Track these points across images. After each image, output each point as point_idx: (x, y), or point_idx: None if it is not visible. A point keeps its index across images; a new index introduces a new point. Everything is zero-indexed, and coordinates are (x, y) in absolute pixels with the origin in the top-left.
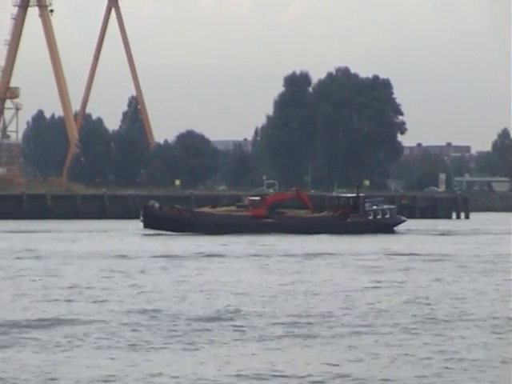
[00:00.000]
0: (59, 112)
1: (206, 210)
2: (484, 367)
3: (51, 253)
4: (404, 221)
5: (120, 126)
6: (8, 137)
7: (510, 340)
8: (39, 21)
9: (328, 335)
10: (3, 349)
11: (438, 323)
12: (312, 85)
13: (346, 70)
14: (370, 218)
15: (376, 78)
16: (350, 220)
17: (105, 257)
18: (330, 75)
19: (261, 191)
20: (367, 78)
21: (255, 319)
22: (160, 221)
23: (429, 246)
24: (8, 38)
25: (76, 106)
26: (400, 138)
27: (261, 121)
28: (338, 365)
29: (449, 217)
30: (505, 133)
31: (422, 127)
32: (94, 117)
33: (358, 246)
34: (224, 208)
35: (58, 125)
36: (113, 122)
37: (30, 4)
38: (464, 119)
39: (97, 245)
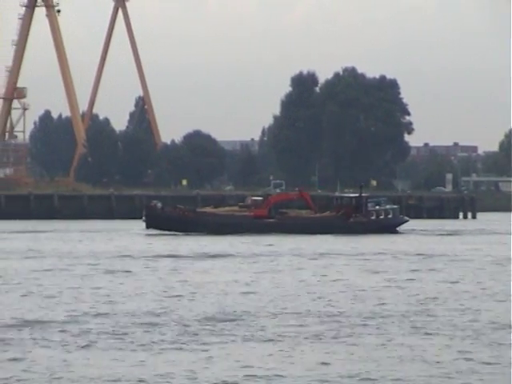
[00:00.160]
0: (66, 112)
1: (208, 210)
2: (494, 368)
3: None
4: (407, 221)
5: (127, 127)
6: (15, 137)
7: None
8: (46, 21)
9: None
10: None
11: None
12: (319, 85)
13: (353, 70)
14: (373, 218)
15: (383, 78)
16: (352, 220)
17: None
18: (336, 75)
19: (268, 191)
20: (374, 78)
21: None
22: (163, 221)
23: (439, 245)
24: (15, 38)
25: (83, 106)
26: (407, 138)
27: (268, 121)
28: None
29: (456, 217)
30: None
31: (429, 127)
32: (101, 117)
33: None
34: (227, 208)
35: (65, 125)
36: (120, 123)
37: (37, 4)
38: (471, 119)
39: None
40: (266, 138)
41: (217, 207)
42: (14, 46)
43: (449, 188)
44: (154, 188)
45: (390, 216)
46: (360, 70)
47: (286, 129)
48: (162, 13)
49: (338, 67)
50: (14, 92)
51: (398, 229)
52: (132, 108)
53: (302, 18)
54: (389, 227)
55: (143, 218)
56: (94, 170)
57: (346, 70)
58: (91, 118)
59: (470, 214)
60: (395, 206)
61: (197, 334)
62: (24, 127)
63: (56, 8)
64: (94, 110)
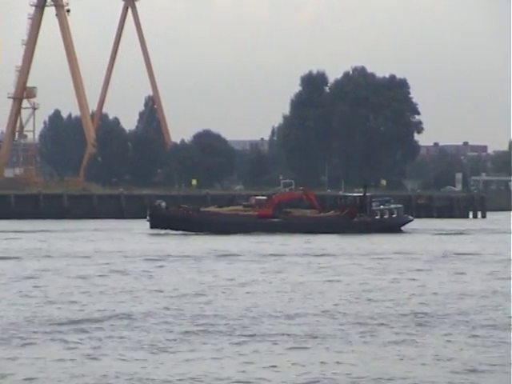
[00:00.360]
0: (76, 112)
1: (212, 209)
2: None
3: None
4: (411, 220)
5: (137, 126)
6: (25, 136)
7: None
8: (56, 21)
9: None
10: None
11: None
12: (329, 84)
13: (363, 69)
14: (377, 217)
15: (393, 77)
16: (356, 220)
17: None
18: (346, 75)
19: (278, 191)
20: (384, 78)
21: None
22: (167, 220)
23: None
24: (25, 37)
25: (93, 105)
26: (417, 137)
27: (277, 120)
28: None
29: (466, 216)
30: None
31: (439, 127)
32: (110, 117)
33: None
34: (231, 207)
35: (75, 125)
36: (129, 122)
37: (47, 4)
38: (481, 119)
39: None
40: (275, 138)
41: (221, 207)
42: (24, 46)
43: (458, 187)
44: (163, 188)
45: (394, 215)
46: (370, 70)
47: (296, 128)
48: (171, 12)
49: (347, 67)
50: (24, 92)
51: (402, 228)
52: (142, 107)
53: (312, 18)
54: (393, 227)
55: (147, 217)
56: (104, 169)
57: (355, 69)
58: (101, 118)
59: (479, 214)
60: (399, 206)
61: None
62: (34, 127)
63: (66, 8)
64: (104, 110)
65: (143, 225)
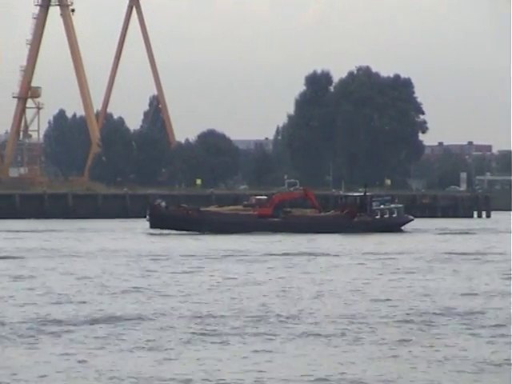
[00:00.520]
0: (80, 111)
1: (212, 209)
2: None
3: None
4: (411, 220)
5: (141, 126)
6: (30, 136)
7: None
8: (60, 20)
9: None
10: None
11: None
12: (333, 84)
13: (368, 69)
14: (377, 217)
15: (397, 77)
16: (356, 219)
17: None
18: (351, 74)
19: (282, 190)
20: (388, 77)
21: None
22: (166, 220)
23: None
24: (29, 37)
25: (97, 105)
26: (421, 137)
27: (282, 120)
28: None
29: (470, 216)
30: None
31: (444, 126)
32: (115, 116)
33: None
34: (231, 207)
35: (80, 124)
36: (134, 122)
37: (52, 3)
38: (485, 118)
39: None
40: (280, 137)
41: (221, 206)
42: (29, 46)
43: (463, 187)
44: (168, 187)
45: (394, 215)
46: (374, 69)
47: (301, 128)
48: (175, 11)
49: (352, 66)
50: (29, 91)
51: (402, 228)
52: (146, 107)
53: (316, 17)
54: (393, 226)
55: (147, 217)
56: (109, 169)
57: (360, 69)
58: (105, 118)
59: (484, 213)
60: (400, 205)
61: None
62: (38, 126)
63: (70, 7)
64: (108, 110)
65: (147, 224)
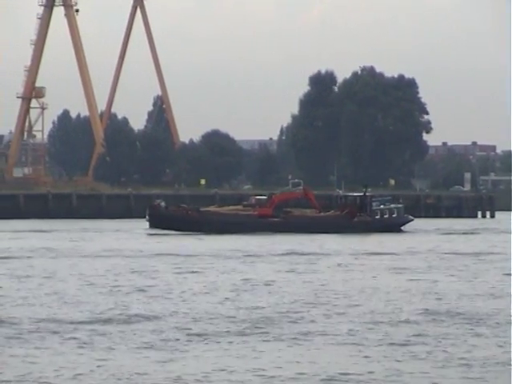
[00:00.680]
0: (85, 112)
1: (212, 209)
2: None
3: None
4: (411, 220)
5: (145, 126)
6: (34, 136)
7: None
8: (65, 20)
9: None
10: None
11: None
12: (337, 84)
13: (372, 69)
14: (377, 217)
15: (401, 77)
16: (356, 219)
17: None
18: (355, 74)
19: (286, 190)
20: (392, 78)
21: None
22: (166, 220)
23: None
24: (33, 37)
25: (101, 105)
26: (425, 137)
27: (286, 120)
28: None
29: (474, 216)
30: None
31: (448, 126)
32: (119, 116)
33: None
34: (231, 207)
35: (84, 124)
36: (138, 122)
37: (56, 4)
38: (489, 118)
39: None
40: (284, 138)
41: (221, 206)
42: (33, 46)
43: (467, 187)
44: (172, 187)
45: (394, 215)
46: (378, 69)
47: (305, 128)
48: (180, 11)
49: (356, 66)
50: (33, 91)
51: (402, 228)
52: (150, 107)
53: (320, 17)
54: (393, 226)
55: (147, 217)
56: (113, 169)
57: (364, 69)
58: (109, 118)
59: (488, 214)
60: (400, 205)
61: None
62: (42, 127)
63: (74, 7)
64: (113, 110)
65: (146, 224)
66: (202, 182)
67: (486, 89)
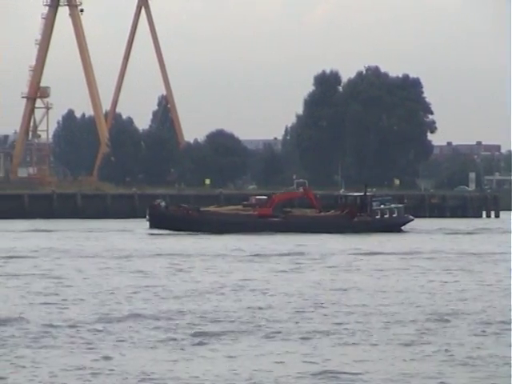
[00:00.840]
0: (89, 111)
1: (212, 209)
2: None
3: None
4: (412, 220)
5: (150, 126)
6: (38, 136)
7: None
8: (69, 20)
9: None
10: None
11: None
12: (342, 84)
13: (376, 69)
14: (378, 217)
15: (406, 77)
16: (357, 219)
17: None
18: (359, 74)
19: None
20: (397, 77)
21: None
22: (166, 220)
23: None
24: (38, 37)
25: (106, 105)
26: (430, 137)
27: (291, 120)
28: None
29: (479, 216)
30: None
31: (452, 126)
32: (124, 116)
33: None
34: (231, 207)
35: (89, 124)
36: (143, 122)
37: (60, 3)
38: (494, 118)
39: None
40: (289, 137)
41: (220, 206)
42: (38, 46)
43: (472, 187)
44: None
45: (394, 215)
46: (383, 69)
47: (309, 128)
48: (185, 11)
49: (360, 66)
50: (38, 91)
51: (402, 228)
52: (155, 107)
53: (325, 17)
54: (393, 226)
55: (147, 217)
56: (117, 169)
57: (369, 69)
58: (114, 118)
59: (493, 213)
60: (400, 205)
61: None
62: (47, 126)
63: (79, 7)
64: (117, 110)
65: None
66: (207, 181)
67: (491, 89)
